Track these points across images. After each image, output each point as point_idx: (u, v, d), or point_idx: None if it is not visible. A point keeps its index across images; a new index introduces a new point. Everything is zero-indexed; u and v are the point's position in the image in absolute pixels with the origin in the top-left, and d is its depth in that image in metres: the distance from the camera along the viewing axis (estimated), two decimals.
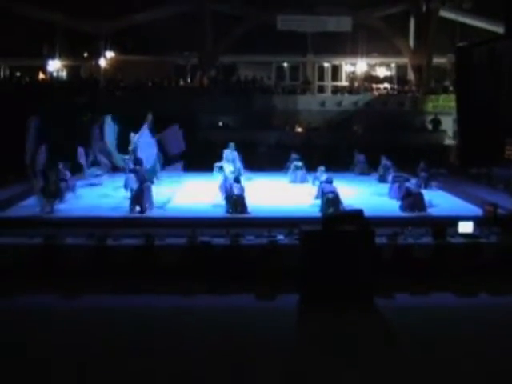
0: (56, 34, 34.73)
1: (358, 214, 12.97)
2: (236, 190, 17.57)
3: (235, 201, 17.39)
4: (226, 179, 19.06)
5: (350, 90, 35.49)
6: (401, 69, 38.40)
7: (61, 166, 20.32)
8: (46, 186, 17.60)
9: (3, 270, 13.59)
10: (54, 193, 17.72)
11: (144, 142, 21.67)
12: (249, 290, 13.16)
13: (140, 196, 17.35)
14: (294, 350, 10.37)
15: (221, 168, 22.48)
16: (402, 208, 17.87)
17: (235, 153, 23.39)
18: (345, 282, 12.26)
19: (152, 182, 20.09)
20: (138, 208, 17.31)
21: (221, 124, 31.96)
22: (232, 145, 23.55)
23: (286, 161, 25.36)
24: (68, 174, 20.86)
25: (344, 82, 37.74)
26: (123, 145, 22.43)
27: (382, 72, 38.94)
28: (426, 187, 20.81)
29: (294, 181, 23.56)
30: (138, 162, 19.59)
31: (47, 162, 18.21)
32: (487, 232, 15.12)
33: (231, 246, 14.32)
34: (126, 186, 19.55)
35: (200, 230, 14.69)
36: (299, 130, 32.28)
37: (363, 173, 25.60)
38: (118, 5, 33.91)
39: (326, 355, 10.06)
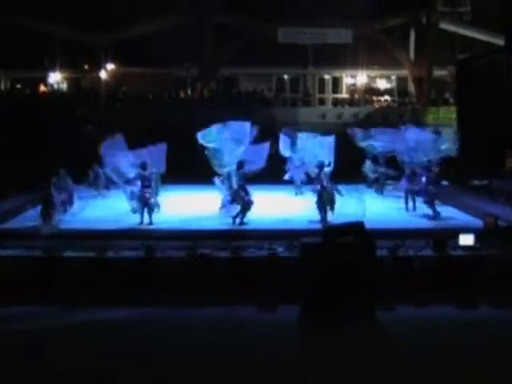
0: (56, 46, 34.80)
1: (358, 226, 12.93)
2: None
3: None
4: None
5: (351, 103, 35.58)
6: (401, 81, 38.52)
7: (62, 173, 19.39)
8: (45, 208, 17.23)
9: (3, 281, 13.52)
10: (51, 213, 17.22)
11: None
12: (250, 301, 13.12)
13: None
14: (295, 362, 10.31)
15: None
16: None
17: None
18: (345, 295, 12.22)
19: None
20: None
21: None
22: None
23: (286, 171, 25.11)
24: (70, 182, 19.78)
25: (344, 94, 37.83)
26: None
27: (382, 84, 39.06)
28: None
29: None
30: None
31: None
32: (488, 244, 15.08)
33: (232, 259, 14.29)
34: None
35: (201, 243, 14.68)
36: None
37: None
38: (119, 17, 34.00)
39: (327, 368, 10.01)
